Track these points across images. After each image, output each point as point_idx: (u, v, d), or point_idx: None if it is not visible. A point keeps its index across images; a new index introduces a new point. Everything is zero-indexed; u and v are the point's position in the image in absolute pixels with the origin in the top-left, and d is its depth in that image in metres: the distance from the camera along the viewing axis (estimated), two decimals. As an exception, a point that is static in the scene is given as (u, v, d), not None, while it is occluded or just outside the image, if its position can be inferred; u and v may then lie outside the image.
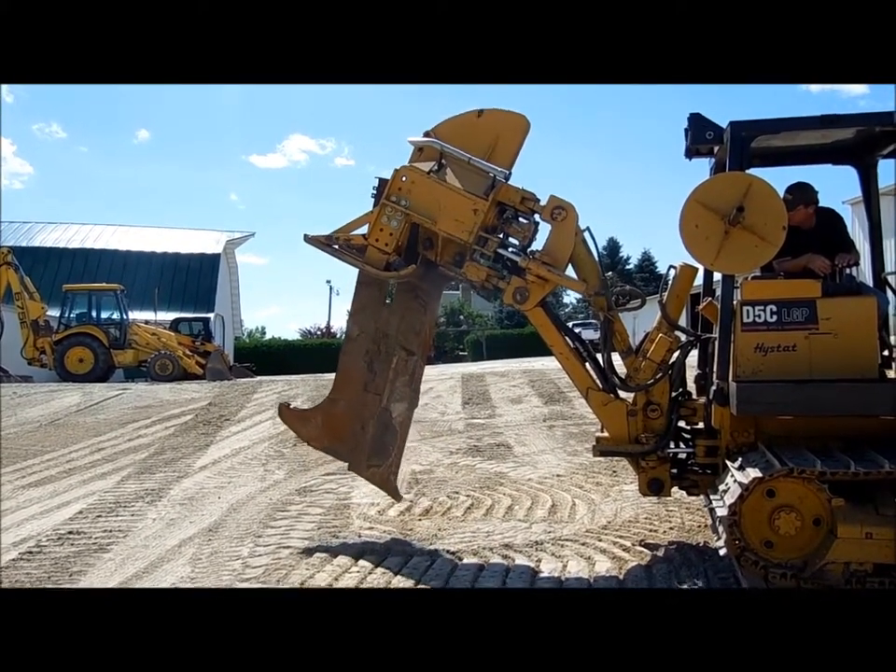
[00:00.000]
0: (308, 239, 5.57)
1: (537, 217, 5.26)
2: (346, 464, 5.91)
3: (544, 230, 5.27)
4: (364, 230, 5.49)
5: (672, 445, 5.24)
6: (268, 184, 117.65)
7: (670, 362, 5.13)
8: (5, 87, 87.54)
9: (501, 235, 5.28)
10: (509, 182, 5.24)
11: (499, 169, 5.18)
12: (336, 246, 5.55)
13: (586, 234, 5.25)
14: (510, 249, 5.28)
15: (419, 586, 4.68)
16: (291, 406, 5.99)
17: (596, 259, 5.29)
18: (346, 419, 5.71)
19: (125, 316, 23.21)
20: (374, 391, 5.63)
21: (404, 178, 5.27)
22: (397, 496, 5.93)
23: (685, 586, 4.54)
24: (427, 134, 5.38)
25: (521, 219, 5.30)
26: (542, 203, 5.21)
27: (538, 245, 5.29)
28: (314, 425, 5.84)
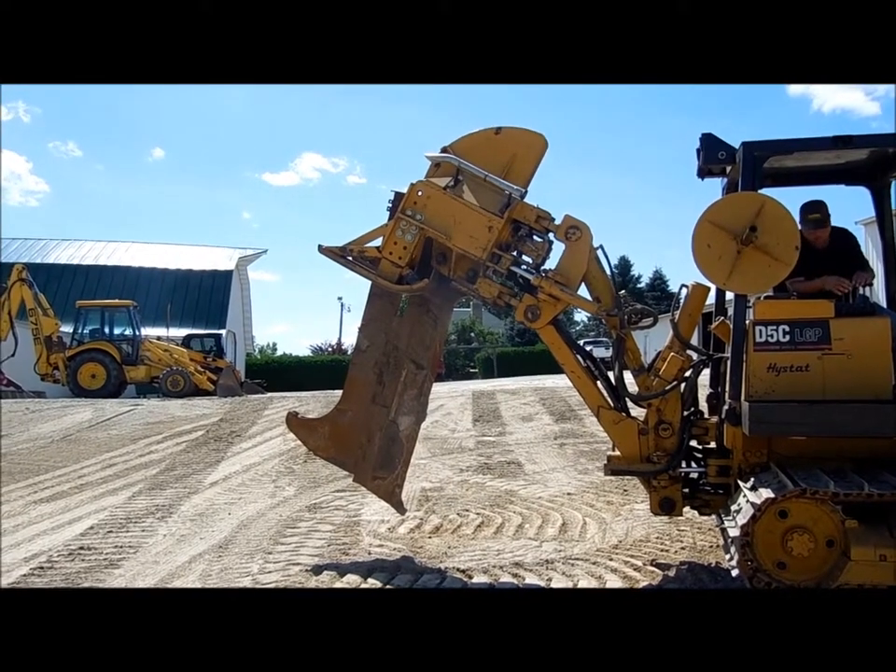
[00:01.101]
0: (322, 250, 5.62)
1: (551, 235, 5.28)
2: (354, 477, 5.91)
3: (559, 248, 5.28)
4: (378, 242, 5.52)
5: (684, 465, 5.23)
6: (280, 202, 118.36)
7: (682, 380, 5.12)
8: (21, 106, 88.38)
9: (515, 253, 5.30)
10: (524, 200, 5.25)
11: (515, 187, 5.20)
12: (350, 258, 5.58)
13: (599, 253, 5.25)
14: (523, 267, 5.29)
15: (429, 605, 4.67)
16: (299, 415, 6.01)
17: (610, 277, 5.29)
18: (353, 430, 5.70)
19: (137, 333, 23.35)
20: (382, 403, 5.63)
21: (420, 193, 5.31)
22: (401, 509, 5.88)
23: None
24: (444, 150, 5.42)
25: (535, 238, 5.32)
26: (557, 222, 5.23)
27: (552, 263, 5.30)
28: (320, 434, 5.83)
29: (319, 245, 5.62)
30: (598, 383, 5.35)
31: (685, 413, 5.16)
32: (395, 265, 5.43)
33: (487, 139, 5.39)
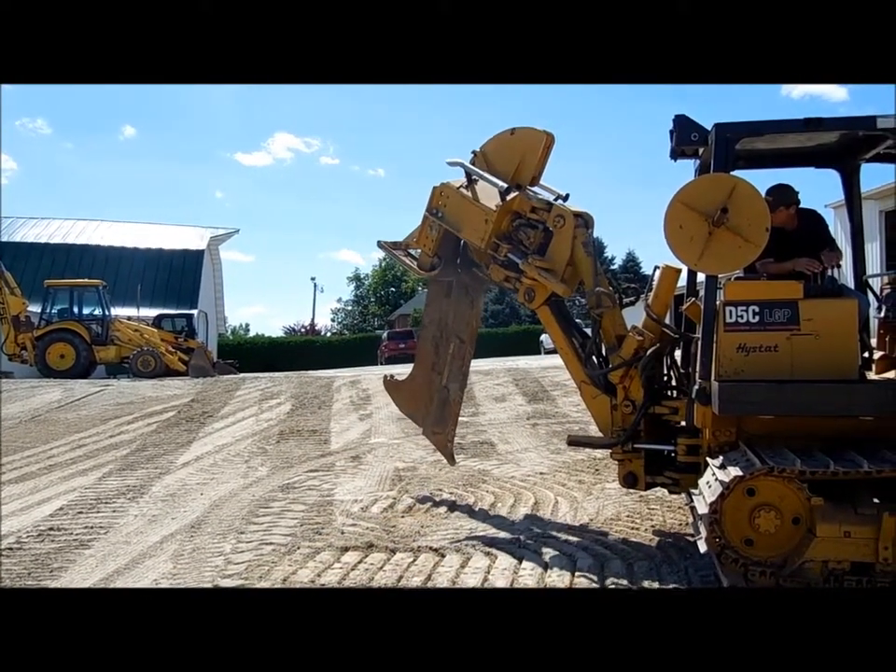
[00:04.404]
0: (381, 245, 6.78)
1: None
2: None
3: None
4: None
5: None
6: (253, 182, 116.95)
7: (638, 358, 5.27)
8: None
9: (516, 242, 5.77)
10: (520, 192, 5.71)
11: (500, 183, 5.71)
12: (398, 251, 6.68)
13: (589, 238, 5.60)
14: (514, 254, 5.71)
15: (401, 583, 4.69)
16: (393, 377, 7.14)
17: (594, 261, 5.58)
18: (420, 392, 6.79)
19: (107, 312, 23.06)
20: (438, 371, 6.63)
21: (441, 194, 6.09)
22: (452, 460, 6.91)
23: (670, 585, 4.58)
24: (474, 153, 6.08)
25: (532, 227, 5.70)
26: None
27: None
28: (402, 394, 7.03)
29: (378, 241, 6.79)
30: (587, 360, 5.62)
31: (650, 390, 5.26)
32: (427, 255, 6.34)
33: (505, 140, 5.99)
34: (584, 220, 5.56)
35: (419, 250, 6.48)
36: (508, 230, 5.79)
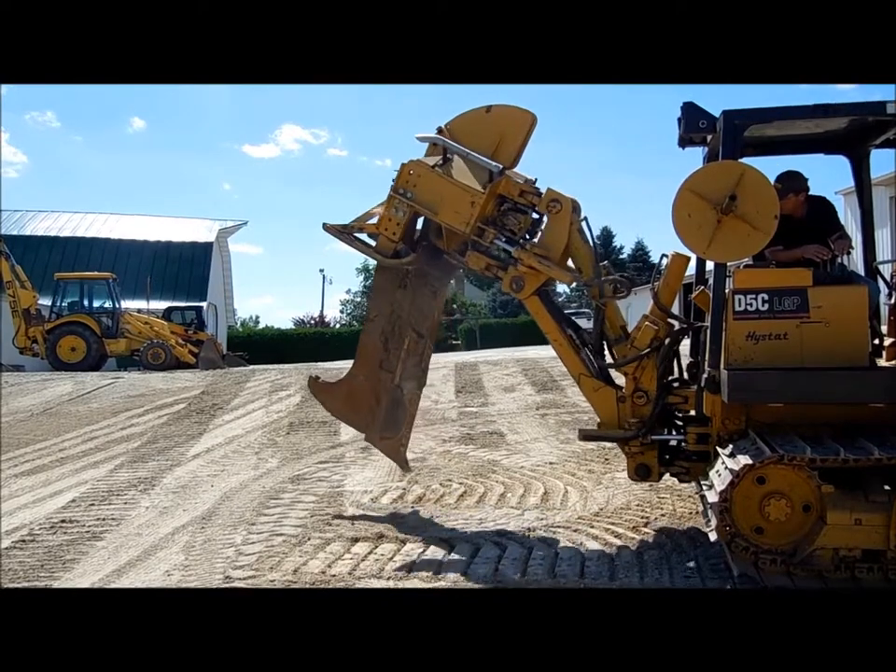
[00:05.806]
0: (326, 228, 5.95)
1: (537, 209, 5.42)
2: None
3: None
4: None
5: (666, 432, 5.30)
6: (261, 174, 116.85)
7: (654, 348, 5.19)
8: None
9: (501, 226, 5.47)
10: (505, 175, 5.38)
11: (493, 163, 5.34)
12: (351, 235, 5.91)
13: (583, 225, 5.39)
14: (503, 240, 5.43)
15: (412, 573, 4.71)
16: (320, 380, 6.39)
17: (592, 249, 5.40)
18: (364, 393, 6.07)
19: (117, 305, 23.11)
20: (388, 369, 5.98)
21: (411, 172, 5.54)
22: (405, 466, 6.24)
23: (681, 575, 4.58)
24: (440, 129, 5.61)
25: (520, 212, 5.46)
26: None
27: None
28: (336, 397, 6.28)
29: (323, 224, 5.95)
30: (581, 352, 5.45)
31: (664, 381, 5.22)
32: (390, 240, 5.71)
33: (479, 117, 5.57)
34: (573, 206, 5.38)
35: (370, 234, 5.89)
36: (493, 214, 5.47)
